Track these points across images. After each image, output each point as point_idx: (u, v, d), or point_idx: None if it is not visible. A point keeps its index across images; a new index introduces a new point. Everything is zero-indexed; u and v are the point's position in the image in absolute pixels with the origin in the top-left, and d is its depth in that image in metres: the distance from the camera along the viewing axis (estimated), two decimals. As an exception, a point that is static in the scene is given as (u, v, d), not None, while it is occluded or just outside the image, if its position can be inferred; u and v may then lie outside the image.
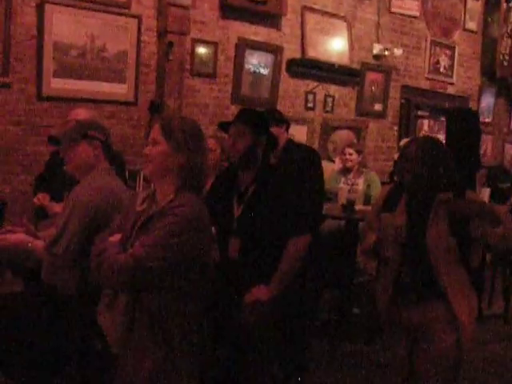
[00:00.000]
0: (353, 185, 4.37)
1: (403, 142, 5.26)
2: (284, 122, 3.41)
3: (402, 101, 6.64)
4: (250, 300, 2.24)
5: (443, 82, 6.97)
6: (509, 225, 2.11)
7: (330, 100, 5.88)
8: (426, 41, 6.68)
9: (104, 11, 4.32)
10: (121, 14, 4.42)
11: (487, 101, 7.56)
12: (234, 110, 4.98)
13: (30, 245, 2.24)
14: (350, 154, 4.51)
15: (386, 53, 6.13)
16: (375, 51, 6.10)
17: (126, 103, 4.56)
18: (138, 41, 4.53)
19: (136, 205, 1.85)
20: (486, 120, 7.47)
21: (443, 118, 6.21)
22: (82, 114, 3.11)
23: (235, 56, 5.12)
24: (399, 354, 2.37)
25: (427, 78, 6.79)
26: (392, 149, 6.40)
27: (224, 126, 2.47)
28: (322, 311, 4.02)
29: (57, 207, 2.82)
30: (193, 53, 4.84)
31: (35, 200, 3.05)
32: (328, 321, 3.94)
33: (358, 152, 4.55)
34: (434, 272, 2.17)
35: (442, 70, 6.92)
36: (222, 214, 2.37)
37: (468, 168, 3.92)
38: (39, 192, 3.11)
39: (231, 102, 5.15)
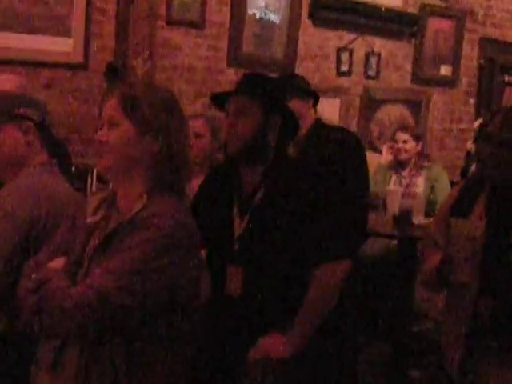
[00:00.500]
0: (409, 186, 4.39)
1: (477, 123, 5.27)
2: (309, 93, 3.42)
3: (482, 61, 6.66)
4: (258, 357, 2.24)
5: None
6: None
7: (374, 60, 5.90)
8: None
9: None
10: None
11: None
12: (231, 75, 5.02)
13: None
14: (405, 142, 4.53)
15: (458, -10, 6.17)
16: (441, -13, 6.15)
17: (72, 66, 4.60)
18: (89, -26, 4.58)
19: (86, 214, 1.86)
20: None
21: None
22: (6, 82, 3.12)
23: (233, -4, 5.17)
24: None
25: (519, 28, 6.81)
26: (466, 132, 6.41)
27: (218, 100, 2.47)
28: (364, 374, 4.03)
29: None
30: (170, -9, 4.88)
31: None
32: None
33: (416, 138, 4.57)
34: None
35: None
36: (217, 231, 2.38)
37: None
38: None
39: (228, 63, 5.17)
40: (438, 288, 2.50)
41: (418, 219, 3.93)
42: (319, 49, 5.66)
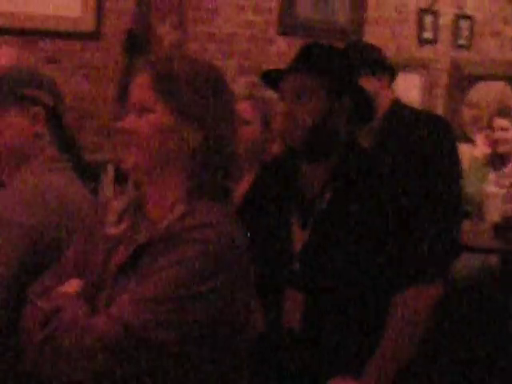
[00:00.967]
0: (512, 187, 4.36)
1: None
2: (386, 68, 3.45)
3: None
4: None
5: None
6: None
7: (465, 24, 5.86)
8: None
9: None
10: None
11: None
12: (283, 46, 5.03)
13: None
14: (506, 130, 4.52)
15: None
16: None
17: (81, 35, 4.66)
18: None
19: (106, 223, 1.87)
20: None
21: None
22: (5, 56, 3.17)
23: None
24: None
25: None
26: None
27: (271, 78, 2.49)
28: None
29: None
30: None
31: None
32: None
33: (521, 124, 4.54)
34: None
35: None
36: (271, 246, 2.40)
37: None
38: None
39: (278, 31, 5.20)
40: None
41: (525, 229, 3.90)
42: (395, 10, 5.65)
